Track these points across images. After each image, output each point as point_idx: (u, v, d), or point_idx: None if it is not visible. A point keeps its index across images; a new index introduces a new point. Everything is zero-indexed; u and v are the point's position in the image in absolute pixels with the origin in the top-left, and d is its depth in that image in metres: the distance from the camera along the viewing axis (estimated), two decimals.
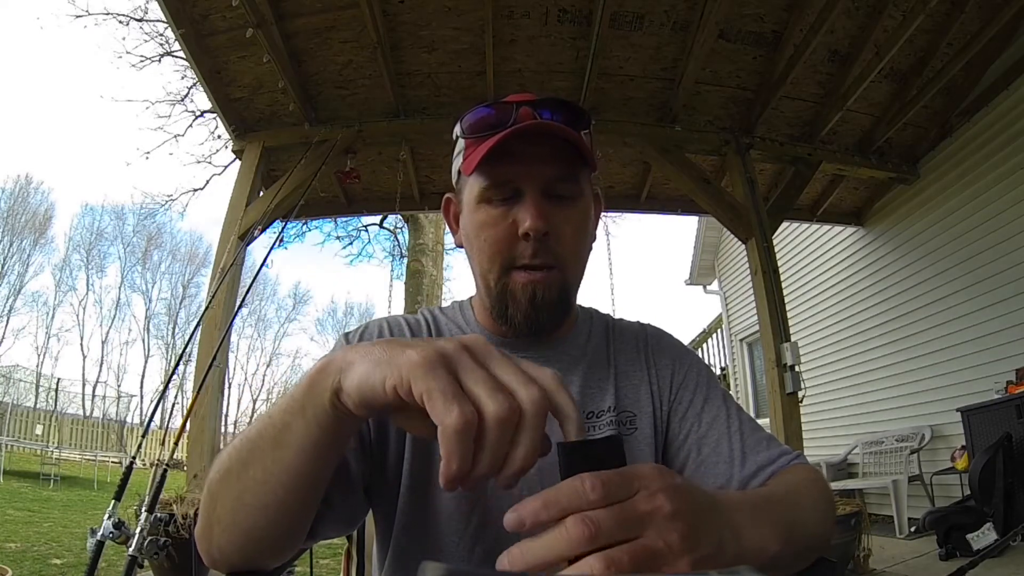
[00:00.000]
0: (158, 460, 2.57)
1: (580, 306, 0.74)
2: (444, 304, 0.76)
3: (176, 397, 3.11)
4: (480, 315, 0.69)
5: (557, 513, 0.31)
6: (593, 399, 0.65)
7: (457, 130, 0.65)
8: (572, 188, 0.62)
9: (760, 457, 0.62)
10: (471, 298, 0.73)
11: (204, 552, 0.51)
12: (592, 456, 0.33)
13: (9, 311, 21.19)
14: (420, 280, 7.93)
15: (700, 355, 0.74)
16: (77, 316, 23.38)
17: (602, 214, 0.74)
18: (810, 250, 6.18)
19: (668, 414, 0.67)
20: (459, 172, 0.67)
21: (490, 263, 0.62)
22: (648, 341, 0.72)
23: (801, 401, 3.49)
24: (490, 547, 0.58)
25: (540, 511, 0.31)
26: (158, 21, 7.67)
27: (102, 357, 23.58)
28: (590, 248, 0.67)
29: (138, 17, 8.06)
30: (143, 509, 1.55)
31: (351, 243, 11.15)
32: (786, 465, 0.62)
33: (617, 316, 0.77)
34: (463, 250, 0.69)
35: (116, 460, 11.02)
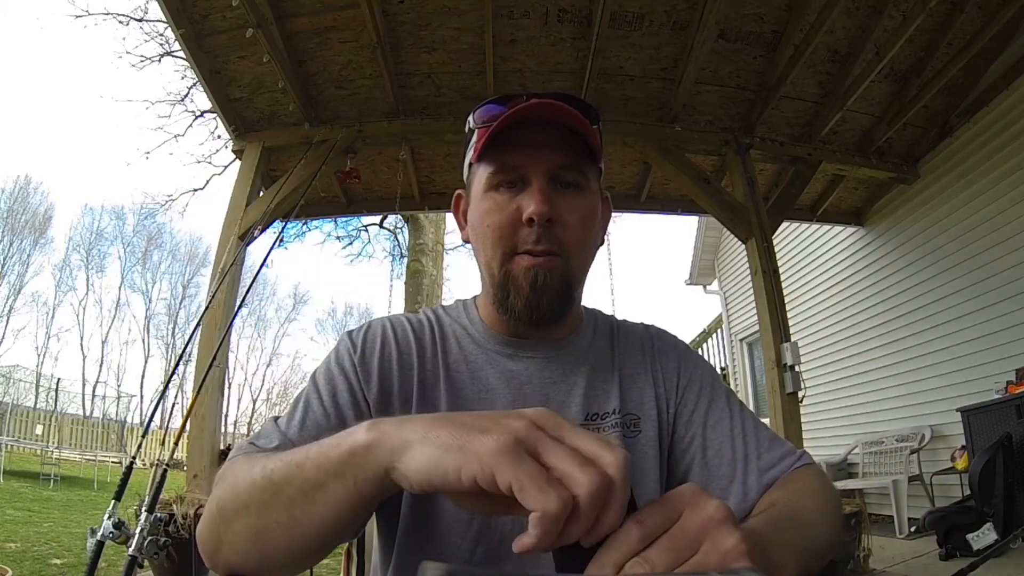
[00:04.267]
0: (158, 460, 2.57)
1: (585, 307, 0.73)
2: (446, 303, 0.75)
3: (176, 397, 3.12)
4: (484, 313, 0.69)
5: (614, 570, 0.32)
6: (598, 401, 0.65)
7: (470, 121, 0.65)
8: (579, 177, 0.62)
9: (764, 460, 0.62)
10: (475, 297, 0.73)
11: (207, 557, 0.51)
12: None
13: (9, 311, 21.19)
14: (420, 280, 7.93)
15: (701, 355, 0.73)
16: (77, 316, 23.39)
17: (611, 216, 0.73)
18: (810, 250, 6.18)
19: (674, 416, 0.67)
20: (469, 165, 0.67)
21: (493, 249, 0.62)
22: (653, 343, 0.72)
23: (801, 401, 3.49)
24: (492, 547, 0.59)
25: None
26: (158, 21, 7.67)
27: (102, 357, 23.60)
28: (596, 243, 0.67)
29: (138, 17, 8.06)
30: (143, 509, 1.54)
31: (351, 243, 11.16)
32: (790, 469, 0.62)
33: (620, 317, 0.76)
34: (470, 247, 0.69)
35: (116, 460, 11.02)
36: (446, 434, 0.36)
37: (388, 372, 0.63)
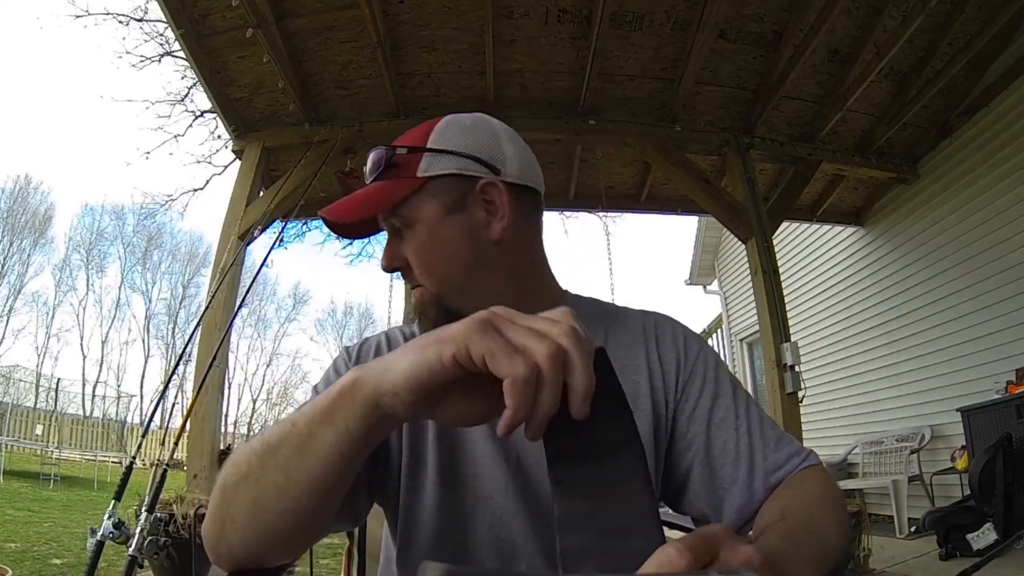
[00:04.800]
0: (158, 460, 2.57)
1: (577, 296, 0.73)
2: None
3: (176, 397, 3.12)
4: None
5: None
6: None
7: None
8: (395, 221, 0.65)
9: (770, 462, 0.61)
10: None
11: (211, 548, 0.51)
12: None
13: (9, 311, 21.19)
14: None
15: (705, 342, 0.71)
16: (77, 316, 23.38)
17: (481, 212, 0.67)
18: (810, 250, 6.18)
19: (674, 412, 0.65)
20: None
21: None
22: (653, 331, 0.69)
23: (801, 401, 3.49)
24: (481, 538, 0.60)
25: None
26: (158, 21, 7.66)
27: (102, 357, 23.58)
28: (462, 258, 0.64)
29: (138, 17, 8.05)
30: (143, 509, 1.55)
31: (351, 243, 11.15)
32: (795, 470, 0.61)
33: (623, 304, 0.74)
34: None
35: (116, 460, 11.02)
36: (421, 340, 0.40)
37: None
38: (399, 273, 0.67)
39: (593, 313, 0.71)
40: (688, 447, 0.63)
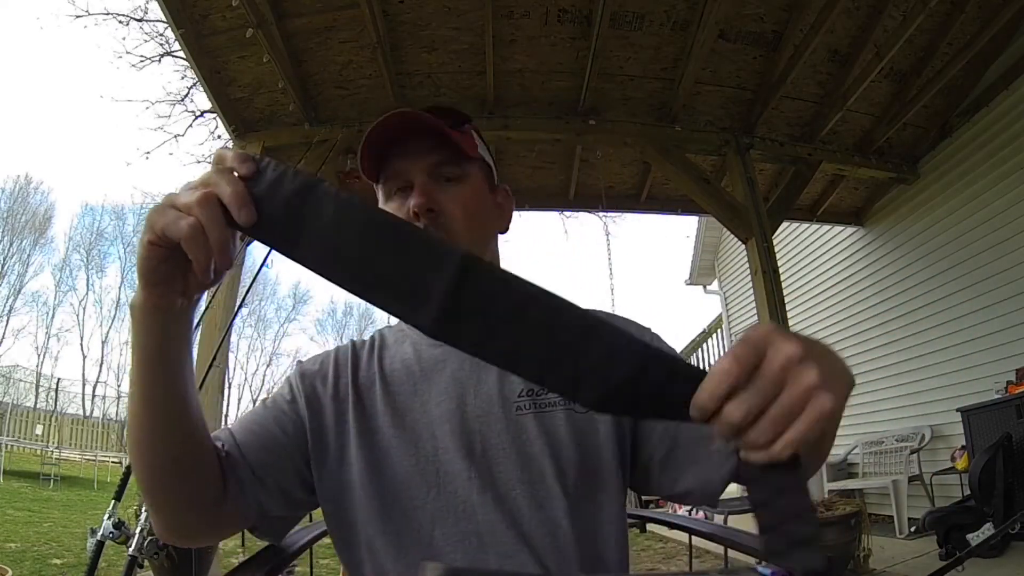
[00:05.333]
0: None
1: None
2: None
3: None
4: None
5: (720, 399, 0.35)
6: None
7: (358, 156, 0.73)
8: (456, 171, 0.69)
9: None
10: None
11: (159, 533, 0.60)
12: None
13: (9, 311, 21.21)
14: None
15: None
16: (77, 316, 23.41)
17: (512, 204, 0.80)
18: (810, 250, 6.18)
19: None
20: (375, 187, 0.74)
21: None
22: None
23: None
24: (448, 531, 0.61)
25: (708, 402, 0.35)
26: (158, 21, 7.66)
27: (102, 357, 23.61)
28: (490, 228, 0.74)
29: (138, 17, 8.05)
30: (143, 509, 1.54)
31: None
32: None
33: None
34: None
35: (116, 460, 11.02)
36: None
37: (323, 381, 0.70)
38: (423, 216, 0.66)
39: None
40: (653, 429, 0.66)
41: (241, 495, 0.61)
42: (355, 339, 0.77)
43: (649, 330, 0.76)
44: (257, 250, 3.86)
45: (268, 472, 0.63)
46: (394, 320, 0.69)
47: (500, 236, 0.78)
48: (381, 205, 0.71)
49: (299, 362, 0.75)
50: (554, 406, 0.65)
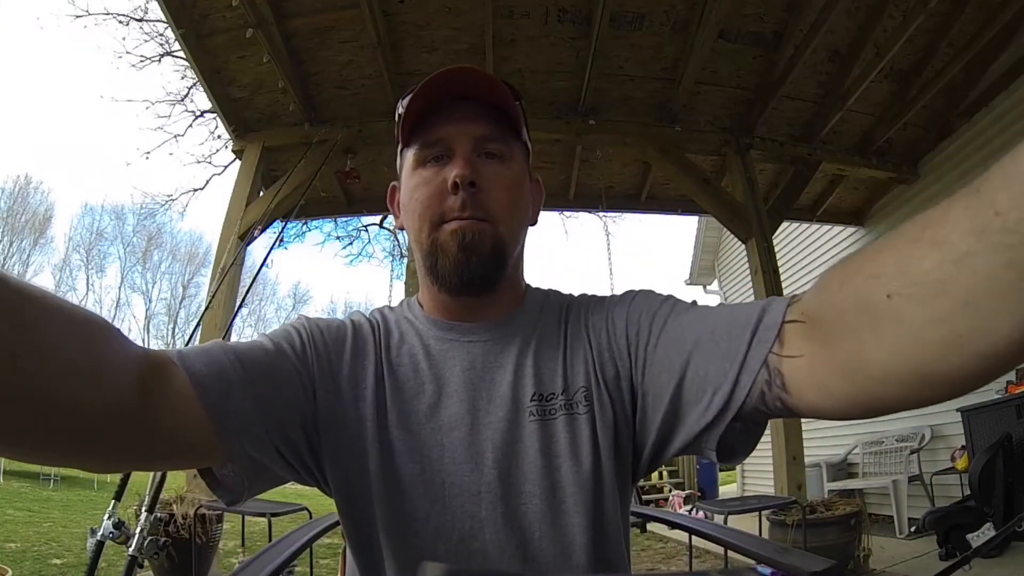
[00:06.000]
0: None
1: (538, 288, 0.70)
2: (393, 303, 0.74)
3: None
4: (426, 301, 0.67)
5: None
6: (545, 380, 0.60)
7: (398, 107, 0.65)
8: (503, 148, 0.62)
9: (747, 333, 0.47)
10: (419, 294, 0.71)
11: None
12: None
13: None
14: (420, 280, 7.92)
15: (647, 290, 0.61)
16: None
17: (543, 194, 0.74)
18: (810, 250, 6.18)
19: (630, 376, 0.59)
20: (399, 151, 0.66)
21: (420, 221, 0.61)
22: (586, 309, 0.65)
23: None
24: (452, 548, 0.56)
25: None
26: (158, 21, 7.66)
27: None
28: (526, 214, 0.67)
29: (138, 17, 8.04)
30: (143, 509, 1.54)
31: (351, 243, 11.13)
32: (784, 310, 0.45)
33: (592, 294, 0.70)
34: (406, 232, 0.68)
35: None
36: None
37: (339, 356, 0.61)
38: (462, 188, 0.58)
39: (555, 301, 0.68)
40: (661, 379, 0.55)
41: (227, 430, 0.49)
42: (367, 316, 0.68)
43: (588, 295, 0.69)
44: (257, 250, 3.87)
45: (273, 408, 0.53)
46: (395, 301, 0.64)
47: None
48: (407, 174, 0.64)
49: (307, 318, 0.64)
50: (556, 412, 0.59)
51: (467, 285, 0.60)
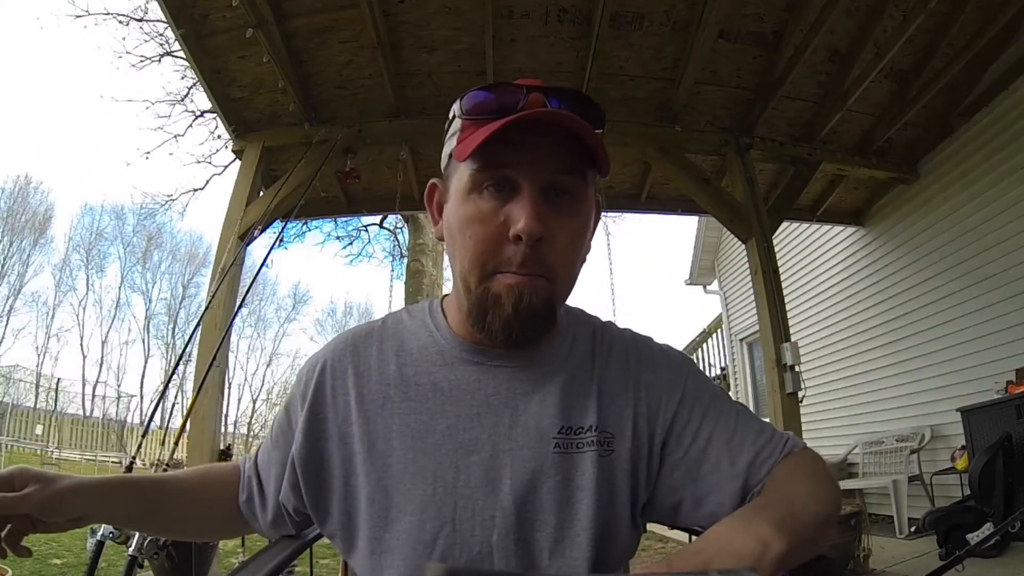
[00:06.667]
0: (158, 460, 2.57)
1: (566, 306, 0.67)
2: (412, 306, 0.71)
3: (176, 397, 3.11)
4: (453, 318, 0.64)
5: None
6: (574, 414, 0.60)
7: (456, 108, 0.59)
8: (577, 183, 0.57)
9: (751, 454, 0.60)
10: (445, 297, 0.67)
11: None
12: None
13: (9, 311, 21.16)
14: (420, 280, 7.93)
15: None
16: (77, 316, 23.35)
17: (601, 217, 0.69)
18: (810, 250, 6.18)
19: (661, 446, 0.62)
20: (450, 156, 0.60)
21: (471, 264, 0.56)
22: (635, 358, 0.65)
23: (801, 401, 3.49)
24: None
25: None
26: (158, 21, 7.67)
27: (102, 357, 23.56)
28: (584, 261, 0.62)
29: (138, 17, 8.06)
30: None
31: (351, 243, 11.16)
32: (779, 456, 0.60)
33: (606, 319, 0.71)
34: (443, 243, 0.64)
35: (116, 460, 11.02)
36: None
37: (322, 399, 0.63)
38: (526, 244, 0.53)
39: (585, 330, 0.68)
40: (679, 464, 0.61)
41: (251, 512, 0.70)
42: (357, 328, 0.68)
43: (640, 336, 0.70)
44: (257, 250, 3.86)
45: (273, 498, 0.67)
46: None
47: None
48: (460, 194, 0.58)
49: (286, 398, 0.68)
50: (584, 447, 0.59)
51: (514, 344, 0.57)
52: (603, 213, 0.72)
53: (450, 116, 0.62)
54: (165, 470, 1.76)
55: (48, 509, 0.55)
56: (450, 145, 0.61)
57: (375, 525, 0.58)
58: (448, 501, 0.56)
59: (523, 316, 0.55)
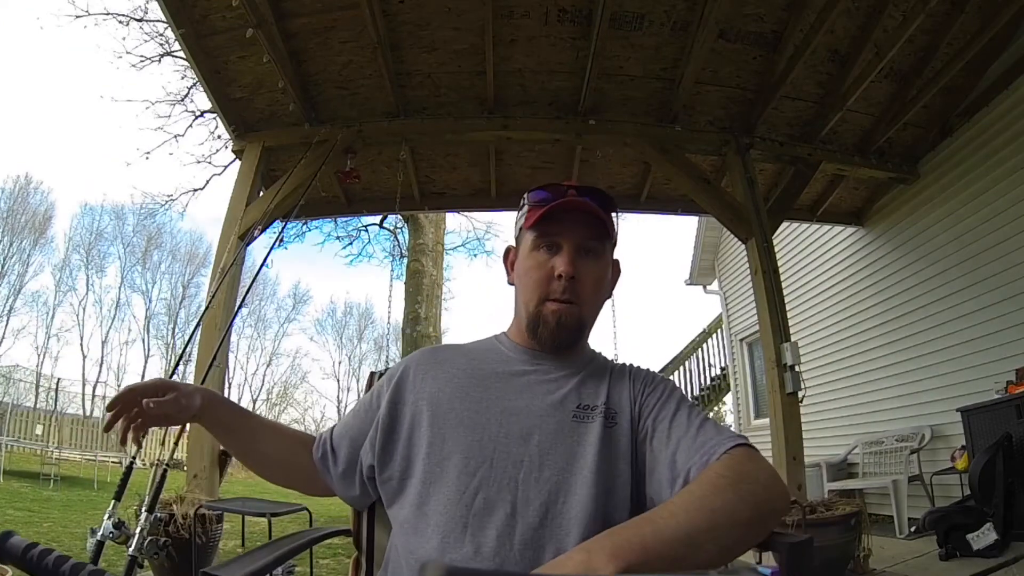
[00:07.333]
0: (158, 460, 2.57)
1: (593, 350, 0.95)
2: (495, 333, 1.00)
3: None
4: (513, 336, 0.93)
5: None
6: (588, 396, 0.84)
7: (526, 199, 0.91)
8: (598, 247, 0.86)
9: (697, 443, 0.74)
10: (506, 330, 0.97)
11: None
12: None
13: (9, 311, 21.14)
14: (420, 280, 7.93)
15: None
16: (77, 316, 23.32)
17: (620, 274, 0.97)
18: (810, 250, 6.18)
19: (639, 419, 0.83)
20: (520, 228, 0.91)
21: (530, 294, 0.86)
22: (633, 374, 0.91)
23: (801, 401, 3.49)
24: (491, 496, 0.73)
25: None
26: (158, 21, 7.67)
27: (102, 357, 23.53)
28: (605, 297, 0.90)
29: (138, 17, 8.06)
30: (143, 509, 1.55)
31: (351, 243, 11.15)
32: (719, 451, 0.70)
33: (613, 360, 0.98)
34: (512, 287, 0.94)
35: (116, 460, 11.01)
36: None
37: (403, 384, 0.88)
38: (565, 279, 0.82)
39: (603, 358, 0.94)
40: (644, 438, 0.81)
41: (324, 467, 0.90)
42: (450, 345, 0.98)
43: (632, 367, 0.92)
44: (257, 250, 3.87)
45: (345, 452, 0.89)
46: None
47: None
48: (526, 250, 0.87)
49: (389, 368, 0.95)
50: (595, 417, 0.81)
51: (556, 349, 0.87)
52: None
53: (521, 203, 0.92)
54: (166, 470, 1.77)
55: (187, 419, 0.85)
56: (520, 221, 0.92)
57: (431, 461, 0.79)
58: (489, 446, 0.78)
59: (562, 329, 0.84)
